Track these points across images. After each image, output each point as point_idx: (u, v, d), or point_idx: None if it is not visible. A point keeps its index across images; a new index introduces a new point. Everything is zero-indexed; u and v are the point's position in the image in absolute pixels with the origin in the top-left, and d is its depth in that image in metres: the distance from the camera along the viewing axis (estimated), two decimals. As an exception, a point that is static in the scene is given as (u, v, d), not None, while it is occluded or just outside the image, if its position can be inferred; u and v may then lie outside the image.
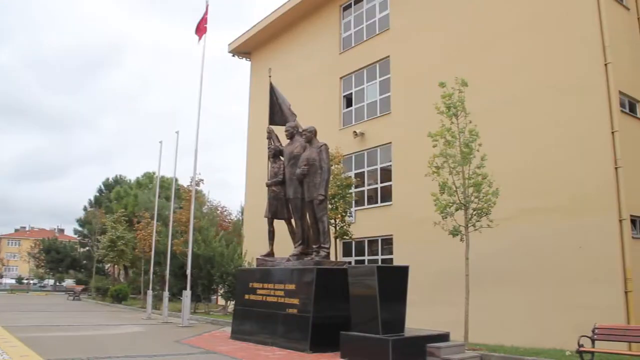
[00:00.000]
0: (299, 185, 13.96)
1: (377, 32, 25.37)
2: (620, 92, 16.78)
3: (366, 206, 24.35)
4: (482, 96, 17.87)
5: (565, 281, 16.09)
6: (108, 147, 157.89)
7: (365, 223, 23.49)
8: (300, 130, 14.68)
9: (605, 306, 14.93)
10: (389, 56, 24.24)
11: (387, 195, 23.36)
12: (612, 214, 15.60)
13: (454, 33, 21.12)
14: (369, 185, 24.70)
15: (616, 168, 15.75)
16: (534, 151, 17.62)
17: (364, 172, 24.86)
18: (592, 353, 9.41)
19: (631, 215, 15.89)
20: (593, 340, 9.59)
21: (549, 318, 16.03)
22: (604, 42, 16.53)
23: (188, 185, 30.42)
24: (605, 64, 16.38)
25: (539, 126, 17.65)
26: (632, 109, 17.64)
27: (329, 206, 18.36)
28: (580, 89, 16.82)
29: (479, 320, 15.25)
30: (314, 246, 13.98)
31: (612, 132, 16.00)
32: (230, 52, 35.20)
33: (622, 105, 16.91)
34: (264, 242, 15.81)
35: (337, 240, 21.55)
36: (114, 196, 56.29)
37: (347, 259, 23.55)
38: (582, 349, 9.23)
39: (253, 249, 25.04)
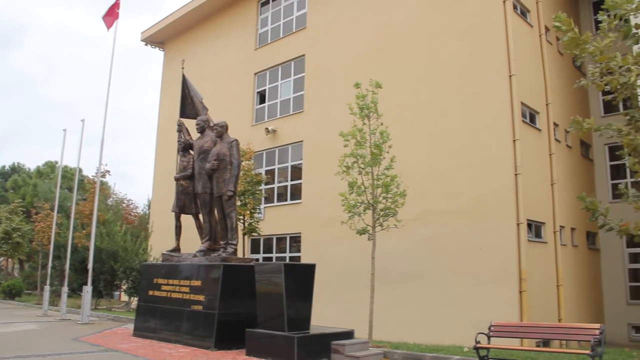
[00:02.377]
0: (208, 180, 13.75)
1: (294, 30, 25.44)
2: (522, 103, 17.68)
3: (275, 203, 24.36)
4: (394, 98, 18.29)
5: (466, 281, 16.77)
6: (1, 133, 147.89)
7: (274, 220, 23.50)
8: (211, 124, 14.44)
9: (502, 304, 15.70)
10: (304, 55, 24.36)
11: (296, 193, 23.47)
12: (510, 218, 16.42)
13: (369, 36, 21.51)
14: (279, 182, 24.73)
15: (516, 175, 16.59)
16: (441, 155, 18.24)
17: (274, 169, 24.86)
18: (488, 349, 9.83)
19: (527, 220, 16.77)
20: (489, 337, 10.01)
21: (450, 316, 16.65)
22: (509, 55, 17.35)
23: (93, 176, 29.31)
24: (510, 76, 17.21)
25: (446, 131, 18.29)
26: (532, 120, 18.61)
27: (238, 202, 18.22)
28: (485, 97, 17.58)
29: (384, 318, 15.62)
30: (222, 242, 13.81)
31: (514, 141, 16.83)
32: (143, 40, 34.17)
33: (523, 115, 17.80)
34: (171, 237, 15.48)
35: (246, 236, 21.44)
36: (11, 185, 53.23)
37: (255, 256, 23.49)
38: (478, 345, 9.61)
39: (159, 244, 24.49)
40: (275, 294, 10.96)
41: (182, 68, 16.10)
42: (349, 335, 11.67)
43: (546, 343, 15.31)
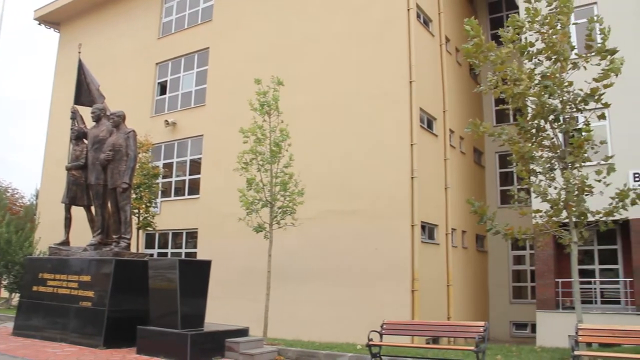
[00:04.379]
0: (102, 171, 13.19)
1: (199, 22, 24.96)
2: (421, 109, 18.25)
3: (173, 198, 23.83)
4: (295, 97, 18.34)
5: (361, 280, 17.10)
6: None
7: (170, 215, 22.95)
8: (108, 113, 13.87)
9: (395, 303, 16.15)
10: (208, 48, 23.95)
11: (195, 188, 23.06)
12: (405, 220, 16.90)
13: (274, 32, 21.45)
14: (177, 176, 24.21)
15: (412, 178, 17.10)
16: (340, 155, 18.48)
17: (173, 162, 24.30)
18: (380, 346, 10.03)
19: (421, 222, 17.35)
20: (381, 335, 10.22)
21: (344, 314, 16.92)
22: (410, 61, 17.85)
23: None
24: (410, 82, 17.70)
25: (346, 132, 18.55)
26: (430, 125, 19.26)
27: (133, 195, 17.65)
28: (386, 102, 17.98)
29: (279, 315, 15.62)
30: (114, 236, 13.30)
31: (411, 145, 17.34)
32: (36, 19, 32.12)
33: (421, 120, 18.39)
34: (60, 230, 14.72)
35: (140, 231, 20.77)
36: None
37: (149, 251, 22.85)
38: (371, 342, 9.78)
39: (47, 236, 23.23)
40: (169, 290, 10.71)
41: (79, 52, 15.33)
42: (243, 332, 11.58)
43: (435, 340, 15.89)
